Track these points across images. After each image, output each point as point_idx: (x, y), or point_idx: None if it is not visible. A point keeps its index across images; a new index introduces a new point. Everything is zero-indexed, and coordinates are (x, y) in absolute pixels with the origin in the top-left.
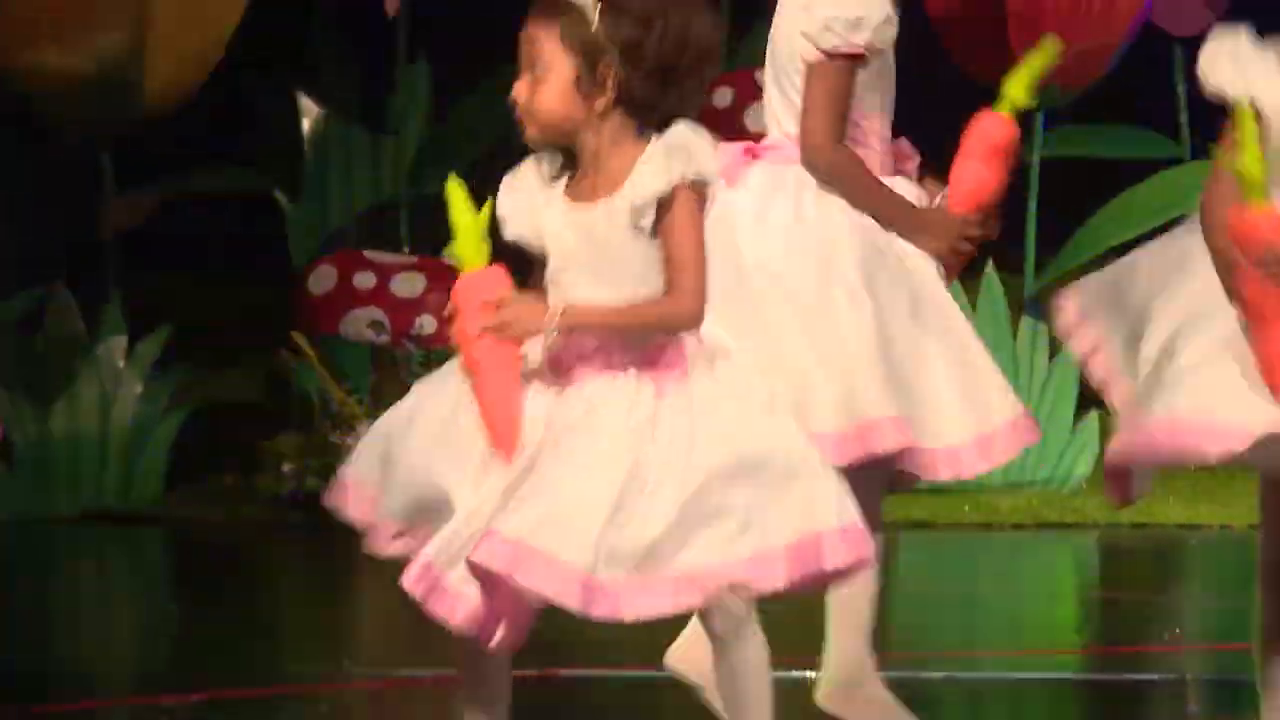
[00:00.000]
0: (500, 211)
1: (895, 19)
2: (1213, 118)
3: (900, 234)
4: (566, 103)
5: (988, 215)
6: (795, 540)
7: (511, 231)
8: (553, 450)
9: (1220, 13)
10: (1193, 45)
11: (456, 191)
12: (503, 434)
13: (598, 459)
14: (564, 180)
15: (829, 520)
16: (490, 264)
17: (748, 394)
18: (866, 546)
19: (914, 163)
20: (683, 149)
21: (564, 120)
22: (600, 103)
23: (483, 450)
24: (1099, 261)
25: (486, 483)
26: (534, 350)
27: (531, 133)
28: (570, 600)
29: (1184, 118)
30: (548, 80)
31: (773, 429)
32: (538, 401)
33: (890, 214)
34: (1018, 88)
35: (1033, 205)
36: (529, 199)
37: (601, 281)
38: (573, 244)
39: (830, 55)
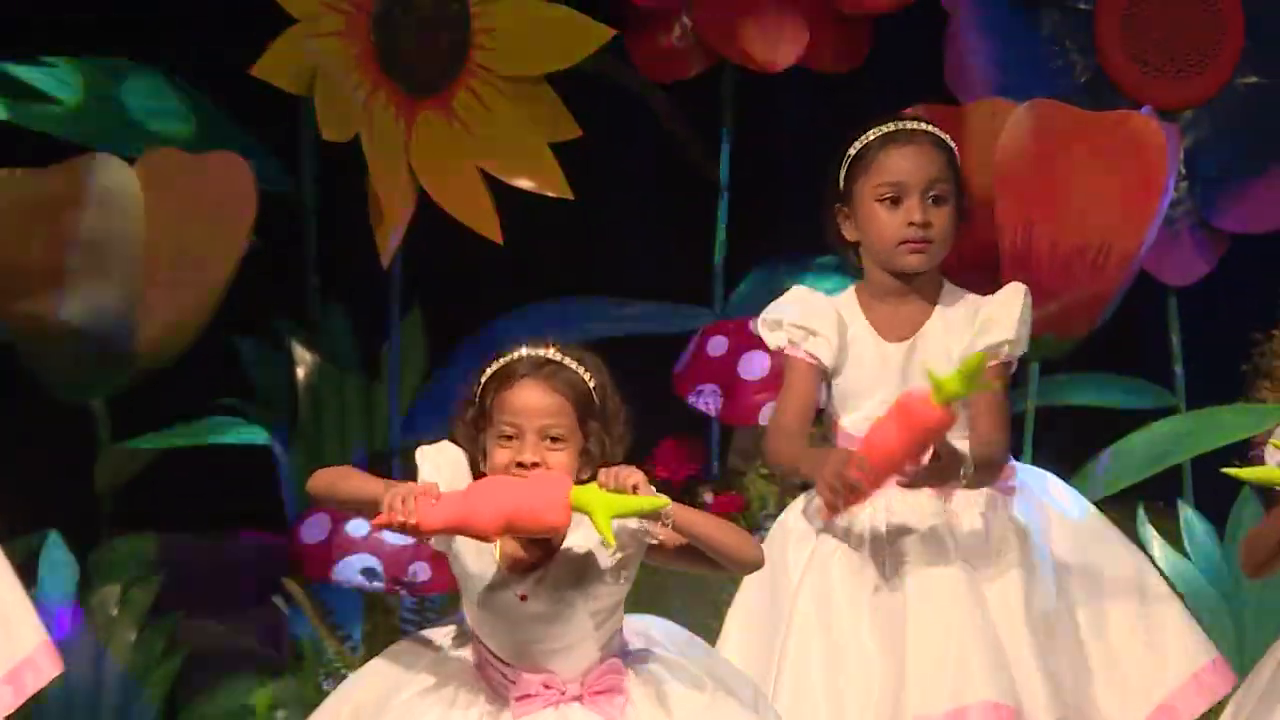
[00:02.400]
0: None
1: (820, 328)
2: (1206, 368)
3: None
4: (572, 474)
5: (876, 475)
6: None
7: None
8: None
9: (1214, 263)
10: (1187, 295)
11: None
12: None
13: None
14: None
15: None
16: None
17: (700, 684)
18: None
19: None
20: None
21: None
22: (586, 471)
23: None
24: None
25: None
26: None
27: None
28: None
29: (1179, 367)
30: (565, 452)
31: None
32: None
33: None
34: (954, 382)
35: (1027, 454)
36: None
37: (568, 631)
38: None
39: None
